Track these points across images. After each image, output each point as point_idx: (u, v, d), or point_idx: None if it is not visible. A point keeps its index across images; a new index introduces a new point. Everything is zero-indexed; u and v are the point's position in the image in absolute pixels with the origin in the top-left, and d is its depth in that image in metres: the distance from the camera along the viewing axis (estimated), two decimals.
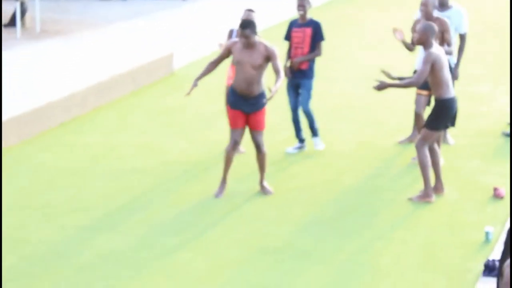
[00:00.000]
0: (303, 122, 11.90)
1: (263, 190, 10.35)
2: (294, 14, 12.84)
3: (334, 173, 11.22)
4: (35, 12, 18.27)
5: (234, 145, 10.07)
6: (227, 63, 11.72)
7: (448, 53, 10.89)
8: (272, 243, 9.15)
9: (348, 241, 9.25)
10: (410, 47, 11.51)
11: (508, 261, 6.93)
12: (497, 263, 8.43)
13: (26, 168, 11.12)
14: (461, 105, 14.13)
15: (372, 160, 11.65)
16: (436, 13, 11.30)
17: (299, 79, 11.76)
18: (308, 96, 11.78)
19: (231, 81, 11.68)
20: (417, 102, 11.39)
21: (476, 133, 12.91)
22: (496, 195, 10.44)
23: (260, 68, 9.85)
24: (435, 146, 10.35)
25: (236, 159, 11.44)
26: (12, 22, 17.86)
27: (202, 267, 8.53)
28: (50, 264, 8.54)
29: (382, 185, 10.75)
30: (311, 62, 11.75)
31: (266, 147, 11.79)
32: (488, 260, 8.54)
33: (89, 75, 14.48)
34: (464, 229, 9.51)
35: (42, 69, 14.84)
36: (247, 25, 9.69)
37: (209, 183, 10.76)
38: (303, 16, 11.69)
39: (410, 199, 10.20)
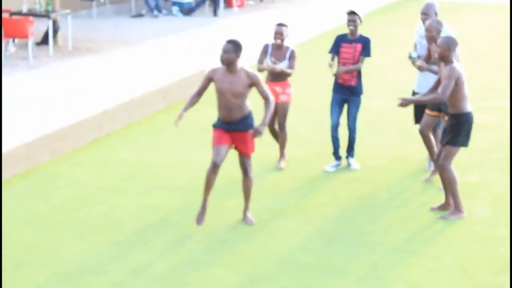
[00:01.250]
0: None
1: (245, 220, 10.02)
2: (327, 27, 12.87)
3: (367, 188, 11.23)
4: (67, 30, 18.43)
5: (214, 168, 9.59)
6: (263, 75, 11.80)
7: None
8: (305, 258, 9.17)
9: (381, 256, 9.26)
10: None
11: None
12: None
13: (59, 185, 11.20)
14: (490, 119, 14.21)
15: (405, 174, 11.66)
16: (423, 34, 11.30)
17: (348, 95, 11.69)
18: (357, 113, 11.75)
19: None
20: (423, 122, 11.21)
21: (507, 147, 12.88)
22: None
23: (241, 96, 9.50)
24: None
25: (272, 177, 11.53)
26: (44, 40, 18.03)
27: (235, 283, 8.57)
28: (82, 280, 8.60)
29: (415, 200, 10.75)
30: (359, 78, 11.67)
31: (299, 162, 11.88)
32: None
33: (121, 92, 14.60)
34: (496, 244, 9.50)
35: (74, 86, 14.97)
36: (231, 43, 9.36)
37: (240, 199, 10.80)
38: (353, 32, 11.60)
39: (442, 217, 10.18)
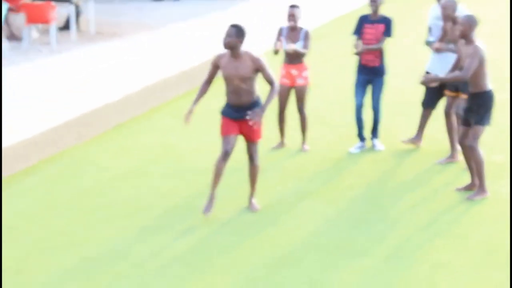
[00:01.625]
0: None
1: (250, 206, 9.95)
2: (346, 10, 12.84)
3: (393, 169, 11.27)
4: (89, 15, 18.51)
5: (225, 156, 9.56)
6: (280, 62, 11.81)
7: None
8: (330, 240, 9.21)
9: (406, 237, 9.28)
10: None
11: None
12: None
13: (86, 169, 11.30)
14: (506, 97, 14.21)
15: (429, 155, 11.65)
16: (438, 15, 11.38)
17: (371, 76, 11.71)
18: (381, 94, 11.77)
19: (284, 80, 11.78)
20: (447, 104, 11.31)
21: None
22: None
23: (248, 80, 9.38)
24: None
25: (296, 160, 11.55)
26: (67, 25, 18.11)
27: (260, 264, 8.62)
28: (110, 264, 8.67)
29: (440, 181, 10.76)
30: (382, 59, 11.66)
31: (323, 144, 11.88)
32: None
33: (144, 76, 14.65)
34: None
35: (98, 71, 15.04)
36: (235, 28, 9.24)
37: (264, 181, 10.82)
38: (375, 12, 11.61)
39: (468, 198, 10.16)
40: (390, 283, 8.28)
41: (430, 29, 11.82)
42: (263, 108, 9.29)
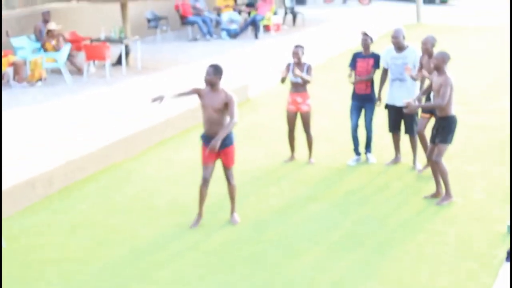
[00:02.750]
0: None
1: (232, 220, 9.62)
2: (349, 45, 12.85)
3: (383, 178, 11.29)
4: (137, 53, 18.63)
5: (204, 182, 9.34)
6: (287, 89, 11.86)
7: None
8: (334, 235, 9.29)
9: (395, 232, 9.34)
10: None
11: None
12: None
13: (133, 179, 11.37)
14: (481, 119, 14.16)
15: (409, 168, 11.58)
16: (394, 54, 11.29)
17: (363, 102, 11.66)
18: (372, 116, 11.71)
19: (290, 106, 11.82)
20: (420, 124, 11.12)
21: (499, 142, 12.82)
22: None
23: (220, 112, 9.08)
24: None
25: (305, 170, 11.58)
26: (118, 61, 18.24)
27: (279, 255, 8.70)
28: (154, 255, 8.78)
29: (422, 188, 10.76)
30: (372, 87, 11.62)
31: (326, 157, 11.91)
32: (510, 249, 8.56)
33: (181, 103, 14.73)
34: (491, 222, 9.53)
35: (143, 99, 15.13)
36: (213, 67, 9.06)
37: (278, 188, 10.89)
38: (366, 49, 11.60)
39: (437, 204, 10.09)
40: (380, 270, 8.35)
41: (386, 69, 11.54)
42: (217, 139, 9.00)
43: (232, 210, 9.67)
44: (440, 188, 10.22)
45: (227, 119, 9.15)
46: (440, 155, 10.02)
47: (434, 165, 10.13)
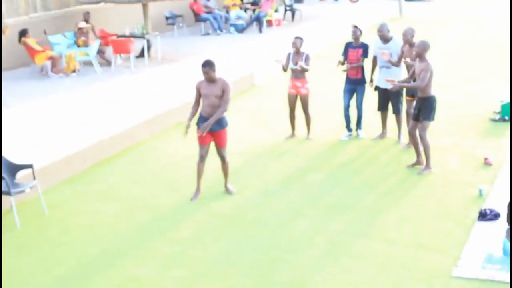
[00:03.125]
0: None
1: (228, 191, 9.59)
2: (342, 37, 12.79)
3: (372, 151, 11.30)
4: (157, 47, 18.66)
5: (201, 159, 9.29)
6: (288, 75, 11.87)
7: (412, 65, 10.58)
8: (329, 200, 9.35)
9: (382, 197, 9.39)
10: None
11: None
12: (487, 212, 8.51)
13: (155, 155, 11.41)
14: (458, 99, 14.17)
15: (393, 142, 11.57)
16: (381, 45, 11.27)
17: (355, 85, 11.65)
18: (362, 97, 11.70)
19: (291, 90, 11.84)
20: (408, 106, 11.05)
21: (471, 119, 12.84)
22: (486, 163, 10.44)
23: (220, 97, 9.07)
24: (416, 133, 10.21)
25: (304, 146, 11.62)
26: (141, 54, 18.24)
27: (282, 218, 8.78)
28: (173, 220, 8.86)
29: (406, 159, 10.78)
30: (363, 72, 11.59)
31: (322, 134, 11.94)
32: (481, 210, 8.63)
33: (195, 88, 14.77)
34: (464, 188, 9.56)
35: (163, 86, 15.17)
36: (206, 64, 8.99)
37: (281, 161, 10.93)
38: (356, 40, 11.57)
39: (418, 173, 10.10)
40: (369, 229, 8.42)
41: (375, 57, 11.51)
42: (208, 123, 9.04)
43: (226, 183, 9.62)
44: (420, 158, 10.25)
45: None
46: (424, 130, 10.05)
47: (415, 138, 10.16)
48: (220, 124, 9.20)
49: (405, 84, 10.29)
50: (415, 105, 10.20)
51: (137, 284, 7.26)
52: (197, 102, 9.27)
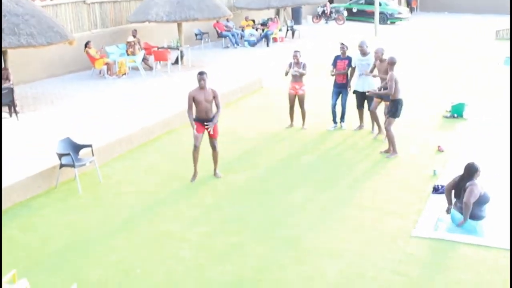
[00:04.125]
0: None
1: (216, 175, 9.18)
2: (333, 51, 12.68)
3: (352, 139, 11.20)
4: (188, 56, 18.61)
5: (195, 148, 8.93)
6: (289, 79, 11.78)
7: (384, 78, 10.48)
8: (319, 176, 9.29)
9: (359, 175, 9.32)
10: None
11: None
12: (440, 187, 8.44)
13: (186, 139, 11.19)
14: (418, 100, 14.05)
15: (368, 132, 11.52)
16: (361, 58, 11.12)
17: (341, 88, 11.51)
18: (347, 98, 11.56)
19: (291, 91, 11.75)
20: (373, 105, 10.84)
21: (429, 115, 12.73)
22: (439, 150, 10.36)
23: (211, 102, 8.76)
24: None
25: (299, 134, 11.55)
26: (176, 62, 18.20)
27: (281, 190, 8.72)
28: (199, 190, 8.81)
29: (377, 145, 10.74)
30: (347, 78, 11.44)
31: (314, 125, 11.86)
32: (435, 185, 8.57)
33: (218, 87, 14.67)
34: (422, 169, 9.50)
35: (193, 86, 15.07)
36: (203, 73, 8.70)
37: (281, 146, 10.87)
38: (343, 53, 11.43)
39: (387, 157, 10.01)
40: (347, 199, 8.37)
41: (354, 67, 11.35)
42: (214, 121, 8.76)
43: (215, 168, 9.23)
44: (391, 147, 10.19)
45: (214, 107, 8.90)
46: (390, 125, 9.97)
47: (386, 131, 10.10)
48: (213, 120, 8.86)
49: (378, 92, 10.22)
50: (388, 105, 10.09)
51: (168, 236, 7.26)
52: (190, 108, 8.81)
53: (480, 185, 7.23)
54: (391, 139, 10.03)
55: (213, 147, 9.10)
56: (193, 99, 8.79)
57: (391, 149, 10.15)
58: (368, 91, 10.29)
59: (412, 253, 6.72)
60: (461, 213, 7.23)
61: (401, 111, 9.99)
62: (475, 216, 7.20)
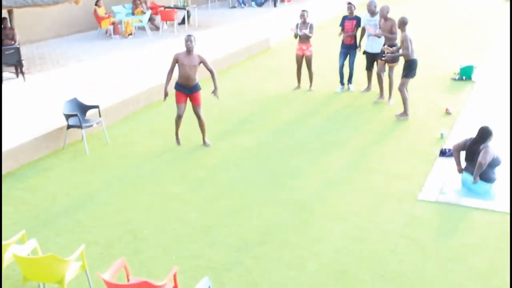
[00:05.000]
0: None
1: (205, 144, 8.87)
2: (339, 11, 12.45)
3: (359, 101, 11.11)
4: (195, 16, 18.35)
5: (179, 117, 8.64)
6: (296, 40, 11.60)
7: (394, 38, 10.30)
8: (325, 138, 9.20)
9: (366, 137, 9.25)
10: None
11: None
12: (447, 150, 8.37)
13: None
14: (426, 62, 13.84)
15: (376, 94, 11.42)
16: (369, 18, 10.89)
17: (349, 49, 11.34)
18: (354, 59, 11.40)
19: (298, 52, 11.58)
20: (379, 68, 10.72)
21: (437, 78, 12.58)
22: (447, 112, 10.26)
23: (195, 68, 8.34)
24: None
25: (306, 96, 11.43)
26: (183, 21, 17.96)
27: (288, 152, 8.66)
28: (205, 151, 8.77)
29: (385, 107, 10.64)
30: (355, 39, 11.27)
31: (321, 86, 11.74)
32: (442, 148, 8.50)
33: (224, 49, 14.55)
34: (429, 131, 9.43)
35: (200, 46, 14.92)
36: (191, 35, 8.26)
37: (289, 107, 10.78)
38: (351, 13, 11.22)
39: (398, 118, 9.94)
40: (354, 161, 8.32)
41: (363, 28, 11.15)
42: (216, 88, 8.37)
43: (204, 137, 8.92)
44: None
45: (197, 75, 8.50)
46: (403, 86, 9.84)
47: (400, 92, 9.92)
48: (196, 87, 8.53)
49: (396, 54, 10.01)
50: (403, 65, 9.88)
51: (175, 198, 7.25)
52: (171, 71, 8.47)
53: (493, 148, 7.15)
54: (404, 101, 9.89)
55: (198, 116, 8.67)
56: (177, 61, 8.41)
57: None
58: (384, 56, 10.06)
59: (417, 216, 6.69)
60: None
61: (415, 71, 9.83)
62: (488, 179, 7.13)
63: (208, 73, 8.60)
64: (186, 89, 8.51)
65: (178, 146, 8.89)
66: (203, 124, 8.80)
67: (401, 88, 9.84)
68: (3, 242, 5.30)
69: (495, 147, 7.30)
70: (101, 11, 16.28)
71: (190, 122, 10.00)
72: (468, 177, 7.25)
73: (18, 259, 4.98)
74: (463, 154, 7.43)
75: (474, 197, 7.06)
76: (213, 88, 8.53)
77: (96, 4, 16.29)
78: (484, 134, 7.14)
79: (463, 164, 7.41)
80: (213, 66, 13.25)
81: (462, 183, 7.34)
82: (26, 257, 4.98)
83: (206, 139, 8.94)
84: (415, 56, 9.76)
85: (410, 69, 9.73)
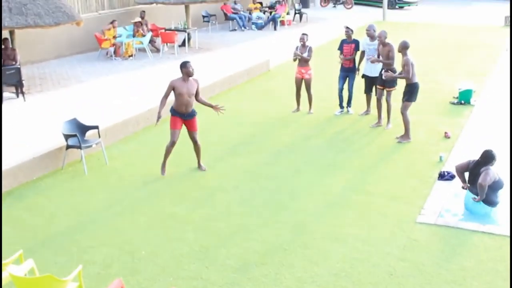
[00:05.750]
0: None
1: (200, 168, 8.77)
2: (338, 35, 12.55)
3: (359, 124, 11.15)
4: (195, 38, 18.50)
5: (172, 144, 8.42)
6: (296, 63, 11.70)
7: (391, 64, 10.34)
8: (325, 160, 9.22)
9: (365, 160, 9.27)
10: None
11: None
12: (445, 173, 8.39)
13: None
14: (426, 86, 13.94)
15: (374, 118, 11.46)
16: (369, 42, 10.96)
17: (348, 72, 11.43)
18: (353, 83, 11.47)
19: (297, 75, 11.67)
20: (378, 93, 10.70)
21: (436, 101, 12.66)
22: (446, 136, 10.30)
23: (193, 95, 8.20)
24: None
25: (305, 118, 11.48)
26: (183, 44, 18.12)
27: (287, 173, 8.67)
28: (204, 172, 8.78)
29: (383, 131, 10.68)
30: (354, 63, 11.37)
31: (321, 109, 11.79)
32: (441, 171, 8.52)
33: (224, 71, 14.65)
34: (428, 154, 9.45)
35: (200, 68, 15.02)
36: (188, 62, 8.23)
37: (287, 129, 10.81)
38: (349, 37, 11.35)
39: (399, 141, 9.97)
40: (352, 183, 8.32)
41: (363, 52, 11.23)
42: (215, 106, 8.41)
43: (199, 161, 8.82)
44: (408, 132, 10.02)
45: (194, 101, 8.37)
46: (406, 109, 9.90)
47: (402, 116, 9.96)
48: (192, 114, 8.40)
49: (396, 75, 10.07)
50: (404, 88, 9.91)
51: (173, 218, 7.25)
52: (166, 97, 8.26)
53: (495, 171, 7.18)
54: (406, 124, 9.92)
55: (194, 141, 8.61)
56: (173, 89, 8.23)
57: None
58: (384, 75, 10.10)
59: (416, 239, 6.69)
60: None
61: (417, 95, 9.88)
62: (490, 202, 7.15)
63: (206, 93, 8.60)
64: (183, 115, 8.40)
65: (177, 168, 8.89)
66: (199, 149, 8.73)
67: (404, 112, 9.89)
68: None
69: (497, 170, 7.33)
70: (112, 32, 16.51)
71: (187, 144, 10.05)
72: (471, 197, 7.27)
73: (15, 279, 4.96)
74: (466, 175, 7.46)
75: (473, 219, 7.07)
76: (211, 108, 8.55)
77: (111, 23, 16.66)
78: (488, 157, 7.18)
79: None
80: (213, 88, 13.37)
81: (464, 203, 7.35)
82: (23, 277, 4.97)
83: (202, 163, 8.89)
84: (417, 79, 9.82)
85: (411, 92, 9.80)
